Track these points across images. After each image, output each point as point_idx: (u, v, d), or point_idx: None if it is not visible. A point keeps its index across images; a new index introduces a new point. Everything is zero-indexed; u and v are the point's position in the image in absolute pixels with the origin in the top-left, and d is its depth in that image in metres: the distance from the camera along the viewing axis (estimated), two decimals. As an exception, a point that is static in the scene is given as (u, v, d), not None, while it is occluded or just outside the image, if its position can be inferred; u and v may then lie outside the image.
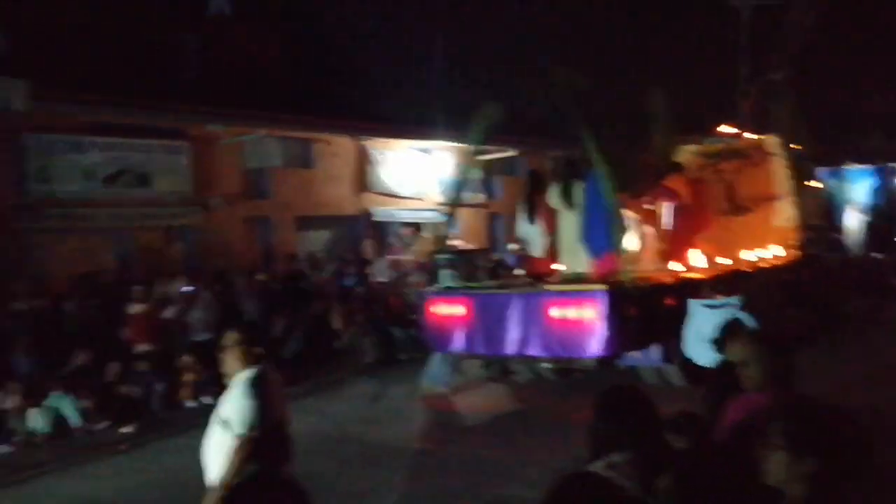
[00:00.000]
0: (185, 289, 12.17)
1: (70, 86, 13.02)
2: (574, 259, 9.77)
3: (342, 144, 18.53)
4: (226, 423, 4.22)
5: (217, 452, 4.23)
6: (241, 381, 4.30)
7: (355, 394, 11.22)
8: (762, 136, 13.54)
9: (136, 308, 11.22)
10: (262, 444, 4.17)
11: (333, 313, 13.25)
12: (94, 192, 13.76)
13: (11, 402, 9.18)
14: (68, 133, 13.55)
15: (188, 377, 10.80)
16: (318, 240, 18.09)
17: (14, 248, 12.54)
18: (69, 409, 9.48)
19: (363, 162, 18.96)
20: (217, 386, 6.49)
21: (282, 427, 4.38)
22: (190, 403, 10.58)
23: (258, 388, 4.26)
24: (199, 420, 4.68)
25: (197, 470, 4.41)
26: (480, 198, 20.67)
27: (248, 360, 4.38)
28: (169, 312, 11.67)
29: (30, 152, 12.99)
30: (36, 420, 9.25)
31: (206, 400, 10.01)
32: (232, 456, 4.11)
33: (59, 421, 9.44)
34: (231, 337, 4.46)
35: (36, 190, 13.06)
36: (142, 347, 10.92)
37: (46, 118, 13.22)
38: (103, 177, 13.86)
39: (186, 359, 10.88)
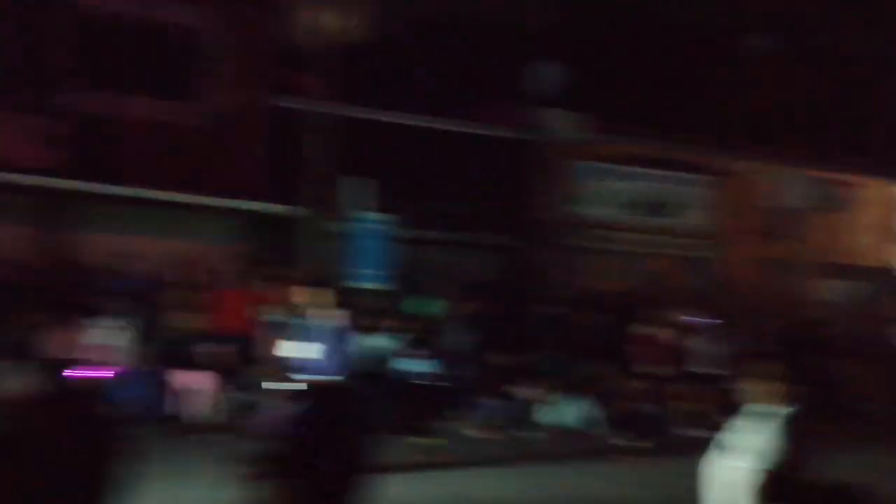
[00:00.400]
0: (694, 319, 12.29)
1: (614, 119, 14.16)
2: None
3: (876, 189, 16.97)
4: (747, 456, 4.16)
5: (726, 482, 4.21)
6: (778, 418, 4.20)
7: (873, 464, 10.06)
8: None
9: (645, 330, 11.67)
10: (785, 484, 4.05)
11: (853, 372, 12.16)
12: (619, 217, 14.81)
13: (536, 394, 10.33)
14: (605, 162, 14.78)
15: (688, 405, 10.92)
16: (840, 290, 16.80)
17: (545, 259, 14.08)
18: (586, 411, 10.30)
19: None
20: (712, 417, 6.41)
21: (803, 473, 4.14)
22: (688, 430, 10.63)
23: (795, 427, 4.15)
24: (698, 446, 4.74)
25: (689, 492, 4.50)
26: None
27: (787, 397, 4.26)
28: (676, 339, 11.89)
29: (574, 177, 14.52)
30: (558, 415, 10.26)
31: (703, 430, 9.95)
32: (757, 492, 4.05)
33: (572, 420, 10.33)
34: (774, 370, 4.37)
35: (573, 211, 14.52)
36: (648, 369, 11.32)
37: (590, 147, 14.57)
38: (630, 204, 14.85)
39: (687, 386, 10.98)
